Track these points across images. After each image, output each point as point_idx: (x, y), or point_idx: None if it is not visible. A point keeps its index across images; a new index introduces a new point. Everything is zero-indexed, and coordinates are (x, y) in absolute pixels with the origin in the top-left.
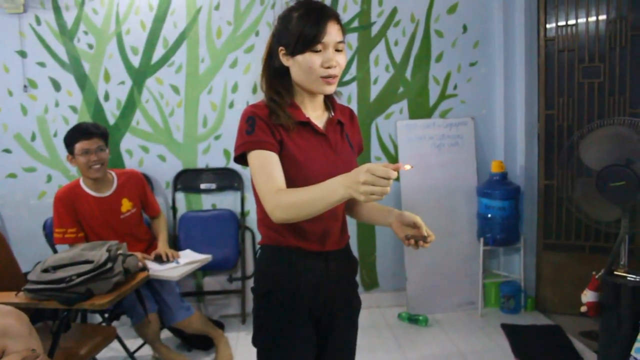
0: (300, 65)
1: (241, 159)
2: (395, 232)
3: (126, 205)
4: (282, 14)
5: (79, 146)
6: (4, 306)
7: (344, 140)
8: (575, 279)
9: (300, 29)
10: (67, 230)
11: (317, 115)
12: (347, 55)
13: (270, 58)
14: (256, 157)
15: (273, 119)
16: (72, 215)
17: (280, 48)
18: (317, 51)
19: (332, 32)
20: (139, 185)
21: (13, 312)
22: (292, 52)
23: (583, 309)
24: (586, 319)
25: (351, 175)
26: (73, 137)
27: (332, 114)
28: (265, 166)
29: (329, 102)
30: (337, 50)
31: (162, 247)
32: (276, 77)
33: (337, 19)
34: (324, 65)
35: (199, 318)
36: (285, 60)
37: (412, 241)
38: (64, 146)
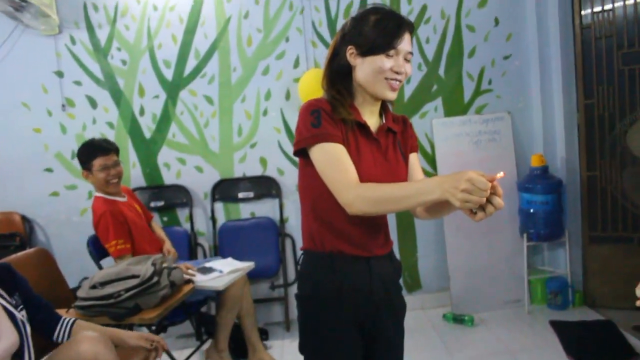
0: (370, 65)
1: (300, 152)
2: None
3: (137, 209)
4: (358, 15)
5: (97, 162)
6: (93, 333)
7: (396, 149)
8: (625, 272)
9: (379, 32)
10: (118, 242)
11: (372, 121)
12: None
13: (335, 57)
14: (326, 150)
15: (336, 114)
16: (123, 225)
17: (350, 47)
18: (389, 56)
19: (406, 41)
20: (132, 192)
21: (101, 340)
22: (365, 53)
23: (639, 303)
24: (638, 312)
25: (451, 180)
26: (89, 153)
27: (383, 121)
28: (339, 159)
29: (382, 109)
30: (406, 60)
31: (170, 247)
32: (339, 76)
33: (411, 31)
34: (393, 69)
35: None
36: (353, 59)
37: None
38: None
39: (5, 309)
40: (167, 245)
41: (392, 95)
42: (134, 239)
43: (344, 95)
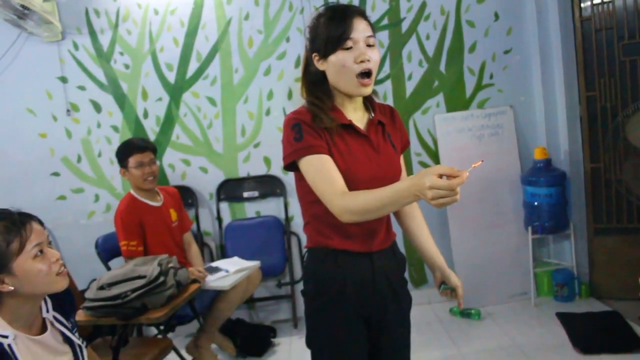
0: (334, 65)
1: (291, 166)
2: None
3: (173, 215)
4: (311, 23)
5: (132, 160)
6: None
7: (386, 141)
8: (630, 262)
9: (328, 30)
10: (130, 243)
11: (358, 117)
12: (380, 53)
13: (308, 67)
14: (311, 162)
15: (317, 123)
16: (138, 227)
17: (314, 54)
18: (348, 48)
19: (360, 28)
20: (177, 200)
21: None
22: (325, 54)
23: None
24: None
25: (417, 185)
26: (126, 151)
27: (372, 114)
28: (324, 170)
29: (369, 102)
30: (369, 46)
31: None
32: (315, 83)
33: (362, 15)
34: (357, 61)
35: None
36: (320, 65)
37: (448, 292)
38: (109, 165)
39: (62, 334)
40: (196, 268)
41: (366, 92)
42: (148, 244)
43: (323, 100)
